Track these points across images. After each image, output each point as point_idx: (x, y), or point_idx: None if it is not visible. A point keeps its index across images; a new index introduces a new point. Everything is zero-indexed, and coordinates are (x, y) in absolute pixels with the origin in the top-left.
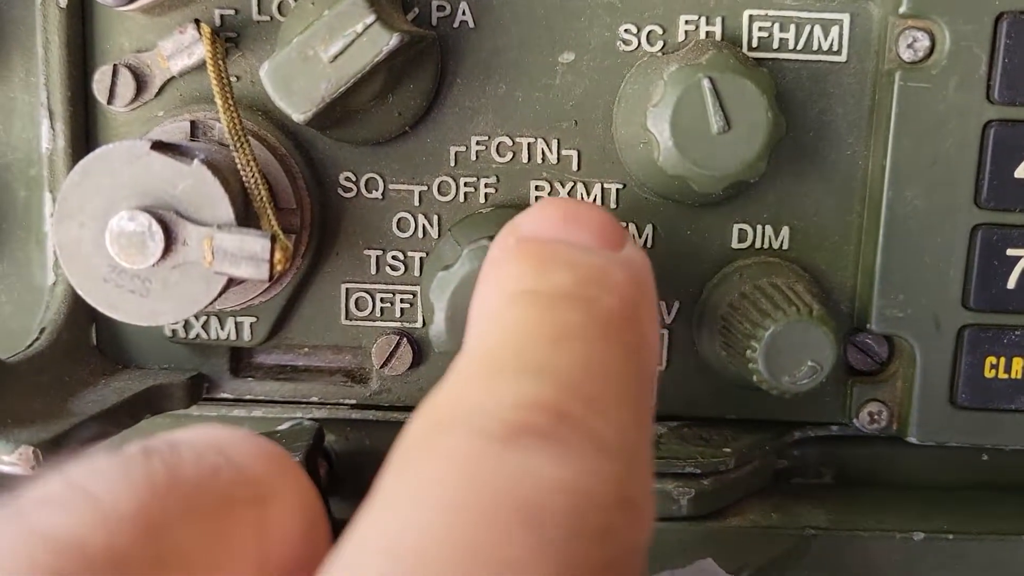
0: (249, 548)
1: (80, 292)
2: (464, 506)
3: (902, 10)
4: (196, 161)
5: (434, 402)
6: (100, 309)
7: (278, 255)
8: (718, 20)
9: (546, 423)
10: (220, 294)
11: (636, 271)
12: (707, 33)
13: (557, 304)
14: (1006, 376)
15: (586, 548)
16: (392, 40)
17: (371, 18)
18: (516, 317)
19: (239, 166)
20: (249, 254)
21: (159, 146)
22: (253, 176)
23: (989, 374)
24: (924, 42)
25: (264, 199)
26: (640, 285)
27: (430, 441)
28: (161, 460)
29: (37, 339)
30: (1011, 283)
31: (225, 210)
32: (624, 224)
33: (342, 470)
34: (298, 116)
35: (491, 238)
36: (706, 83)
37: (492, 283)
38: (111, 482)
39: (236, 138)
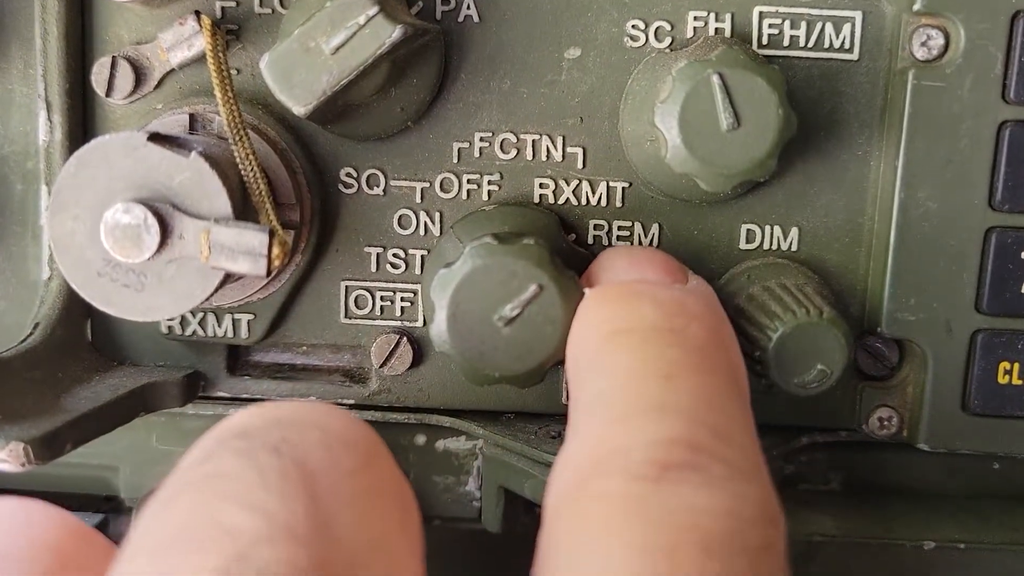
0: (395, 523)
1: (74, 286)
2: (645, 545)
3: (916, 7)
4: (194, 153)
5: (572, 453)
6: (94, 303)
7: (276, 250)
8: (728, 16)
9: (686, 456)
10: (217, 289)
11: (707, 298)
12: (716, 29)
13: (653, 339)
14: (1020, 382)
15: (757, 562)
16: (395, 32)
17: (374, 9)
18: (620, 358)
19: (238, 160)
20: (246, 248)
21: (156, 138)
22: (252, 170)
23: (1003, 380)
24: (938, 40)
25: (263, 193)
26: (715, 310)
27: (588, 491)
28: (290, 457)
29: (31, 334)
30: None
31: (223, 203)
32: (631, 223)
33: None
34: (299, 109)
35: (495, 235)
36: (716, 79)
37: (585, 327)
38: (274, 496)
39: (235, 131)
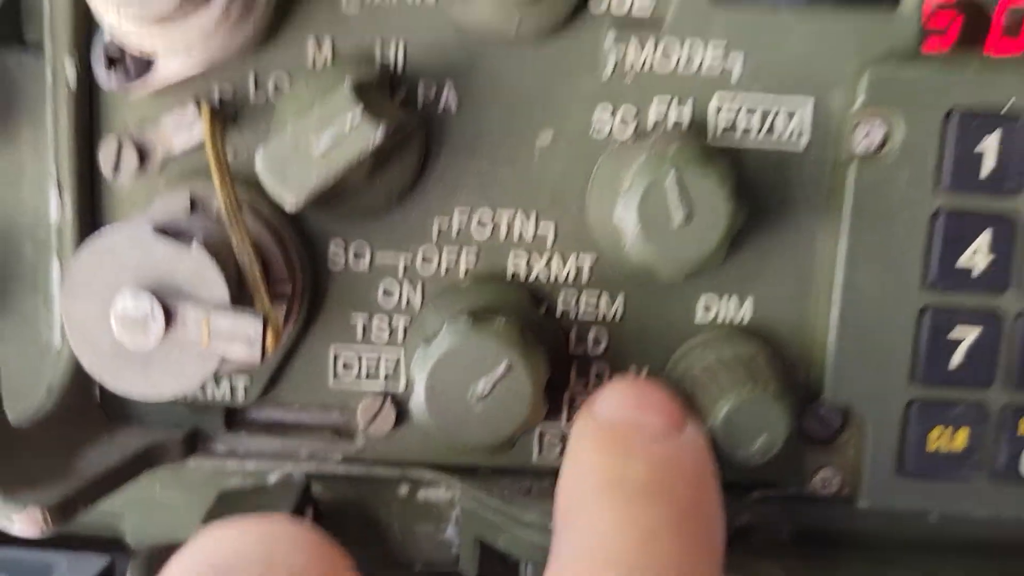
0: None
1: (85, 367)
2: None
3: (859, 102)
4: (195, 245)
5: None
6: (104, 383)
7: (270, 338)
8: (689, 102)
9: None
10: (215, 370)
11: (699, 452)
12: (677, 115)
13: (639, 499)
14: (948, 448)
15: None
16: (378, 134)
17: (358, 113)
18: (605, 515)
19: (234, 245)
20: (243, 337)
21: (160, 229)
22: (248, 256)
23: (933, 446)
24: (879, 134)
25: (257, 278)
26: (704, 464)
27: None
28: None
29: (44, 400)
30: (954, 362)
31: (221, 292)
32: (598, 291)
33: (326, 515)
34: (290, 206)
35: (470, 314)
36: (671, 175)
37: (577, 470)
38: None
39: (232, 218)
